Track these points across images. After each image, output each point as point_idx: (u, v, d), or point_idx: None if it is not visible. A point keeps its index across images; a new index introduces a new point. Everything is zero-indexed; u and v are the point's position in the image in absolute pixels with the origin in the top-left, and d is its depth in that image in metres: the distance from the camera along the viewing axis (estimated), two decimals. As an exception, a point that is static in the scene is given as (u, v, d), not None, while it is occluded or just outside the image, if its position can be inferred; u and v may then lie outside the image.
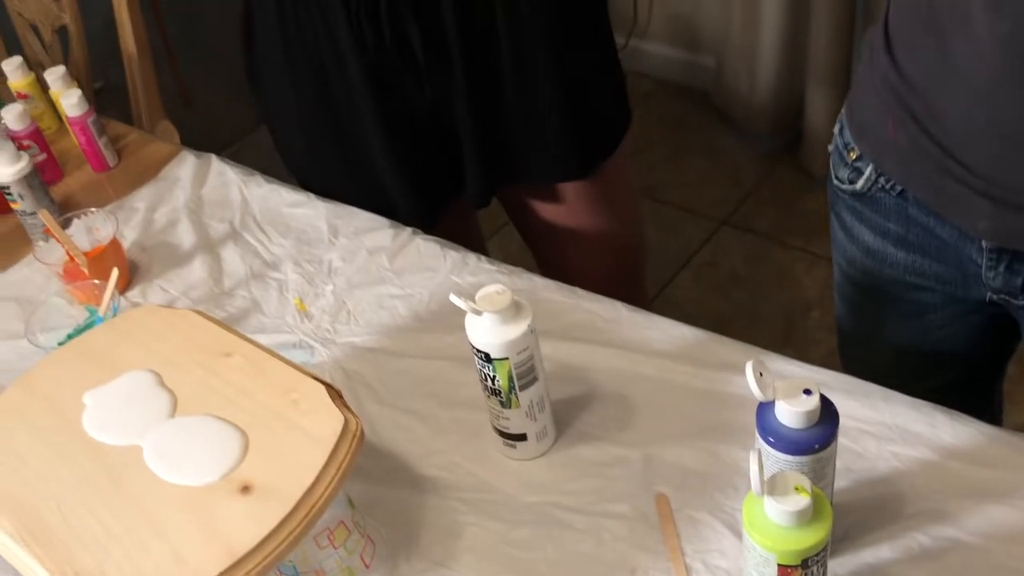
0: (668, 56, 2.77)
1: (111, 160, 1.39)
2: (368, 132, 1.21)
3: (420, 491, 0.91)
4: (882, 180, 0.94)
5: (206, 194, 1.31)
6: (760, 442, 0.75)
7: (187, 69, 2.95)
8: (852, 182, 0.97)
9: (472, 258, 1.14)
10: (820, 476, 0.75)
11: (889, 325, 1.07)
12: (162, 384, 0.84)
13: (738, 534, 0.82)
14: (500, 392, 0.87)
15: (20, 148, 1.28)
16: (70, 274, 1.14)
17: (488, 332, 0.84)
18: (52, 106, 1.47)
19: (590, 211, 1.34)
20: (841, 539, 0.81)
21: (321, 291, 1.14)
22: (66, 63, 1.69)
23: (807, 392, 0.73)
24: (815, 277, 2.16)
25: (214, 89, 2.92)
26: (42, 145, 1.37)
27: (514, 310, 0.84)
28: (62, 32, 1.73)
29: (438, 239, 1.17)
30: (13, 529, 0.74)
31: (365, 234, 1.20)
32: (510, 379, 0.86)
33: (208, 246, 1.22)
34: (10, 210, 1.28)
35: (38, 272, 1.22)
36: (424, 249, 1.16)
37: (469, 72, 1.16)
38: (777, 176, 2.46)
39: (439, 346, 1.04)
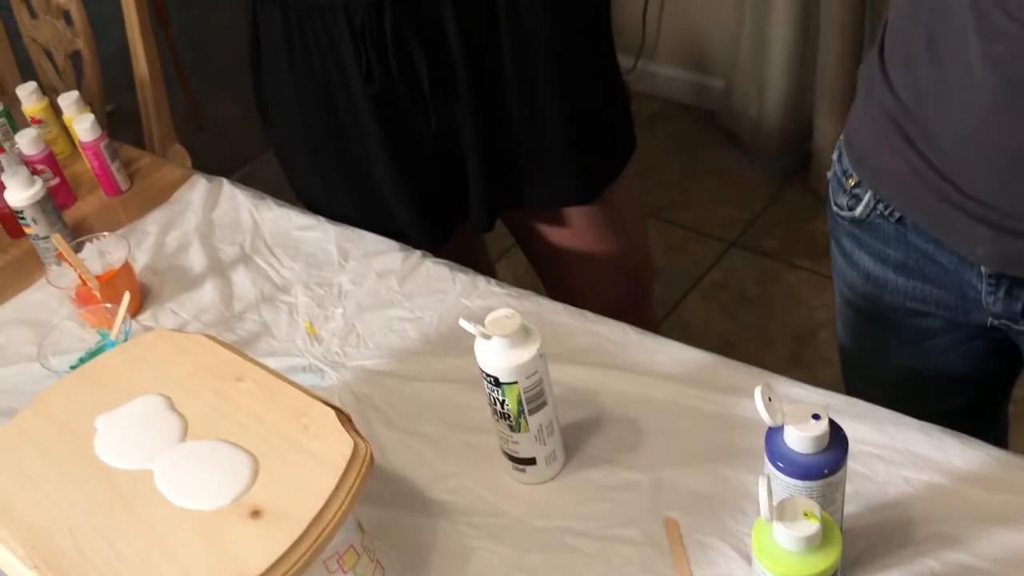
0: (676, 77, 2.78)
1: (123, 184, 1.41)
2: (375, 160, 1.22)
3: (430, 515, 0.91)
4: (881, 206, 0.94)
5: (217, 217, 1.32)
6: (769, 467, 0.75)
7: (198, 92, 2.97)
8: (851, 209, 0.97)
9: (481, 281, 1.14)
10: (829, 501, 0.75)
11: (891, 351, 1.07)
12: (173, 408, 0.84)
13: (748, 559, 0.82)
14: (509, 416, 0.87)
15: (34, 172, 1.29)
16: (82, 298, 1.14)
17: (497, 356, 0.84)
18: (65, 131, 1.49)
19: (596, 235, 1.35)
20: (851, 565, 0.81)
21: (331, 314, 1.14)
22: (79, 88, 1.71)
23: (816, 417, 0.73)
24: (824, 298, 2.16)
25: (225, 111, 2.95)
26: (55, 169, 1.38)
27: (523, 334, 0.84)
28: (75, 57, 1.74)
29: (447, 262, 1.18)
30: (24, 553, 0.74)
31: (375, 257, 1.20)
32: (519, 403, 0.86)
33: (219, 269, 1.23)
34: (23, 234, 1.29)
35: (51, 296, 1.22)
36: (433, 272, 1.17)
37: (475, 100, 1.17)
38: (786, 197, 2.46)
39: (449, 369, 1.04)
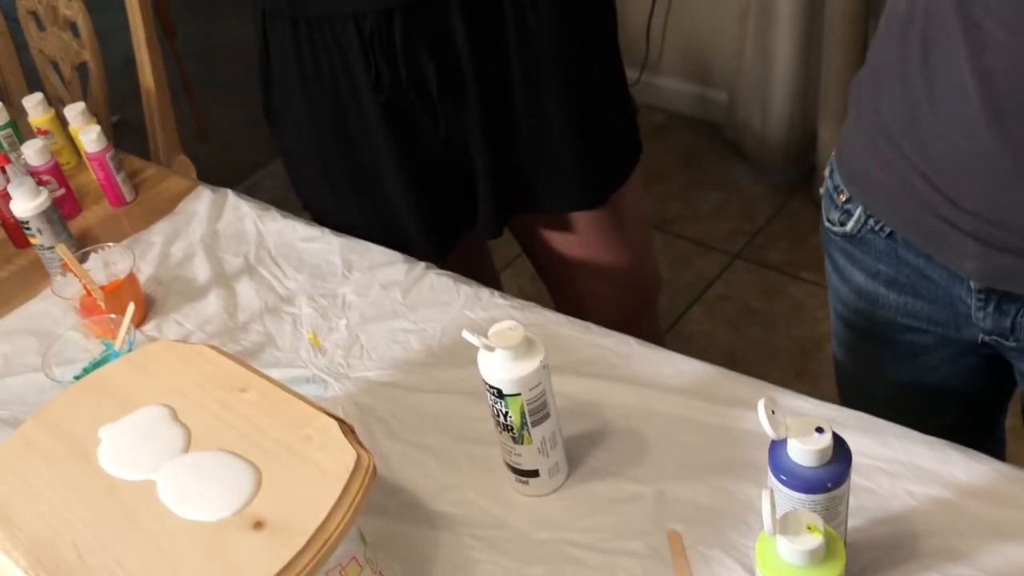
0: (680, 90, 2.79)
1: (128, 195, 1.41)
2: (384, 167, 1.23)
3: (433, 527, 0.91)
4: (871, 221, 0.94)
5: (222, 228, 1.32)
6: (772, 480, 0.75)
7: (203, 103, 2.99)
8: (843, 224, 0.97)
9: (485, 293, 1.14)
10: (833, 515, 0.75)
11: (885, 366, 1.07)
12: (176, 419, 0.84)
13: (751, 572, 0.82)
14: (512, 428, 0.87)
15: (40, 183, 1.30)
16: (87, 308, 1.15)
17: (500, 368, 0.84)
18: (71, 141, 1.49)
19: (603, 242, 1.35)
20: (855, 578, 0.80)
21: (335, 325, 1.14)
22: (85, 99, 1.72)
23: (819, 430, 0.73)
24: (828, 311, 2.15)
25: (230, 122, 2.96)
26: (61, 180, 1.38)
27: (526, 346, 0.84)
28: (82, 68, 1.75)
29: (451, 274, 1.18)
30: (27, 563, 0.74)
31: (379, 268, 1.20)
32: (522, 415, 0.86)
33: (223, 280, 1.23)
34: (29, 244, 1.29)
35: (55, 306, 1.23)
36: (437, 284, 1.17)
37: (483, 107, 1.18)
38: (790, 210, 2.46)
39: (452, 381, 1.04)
